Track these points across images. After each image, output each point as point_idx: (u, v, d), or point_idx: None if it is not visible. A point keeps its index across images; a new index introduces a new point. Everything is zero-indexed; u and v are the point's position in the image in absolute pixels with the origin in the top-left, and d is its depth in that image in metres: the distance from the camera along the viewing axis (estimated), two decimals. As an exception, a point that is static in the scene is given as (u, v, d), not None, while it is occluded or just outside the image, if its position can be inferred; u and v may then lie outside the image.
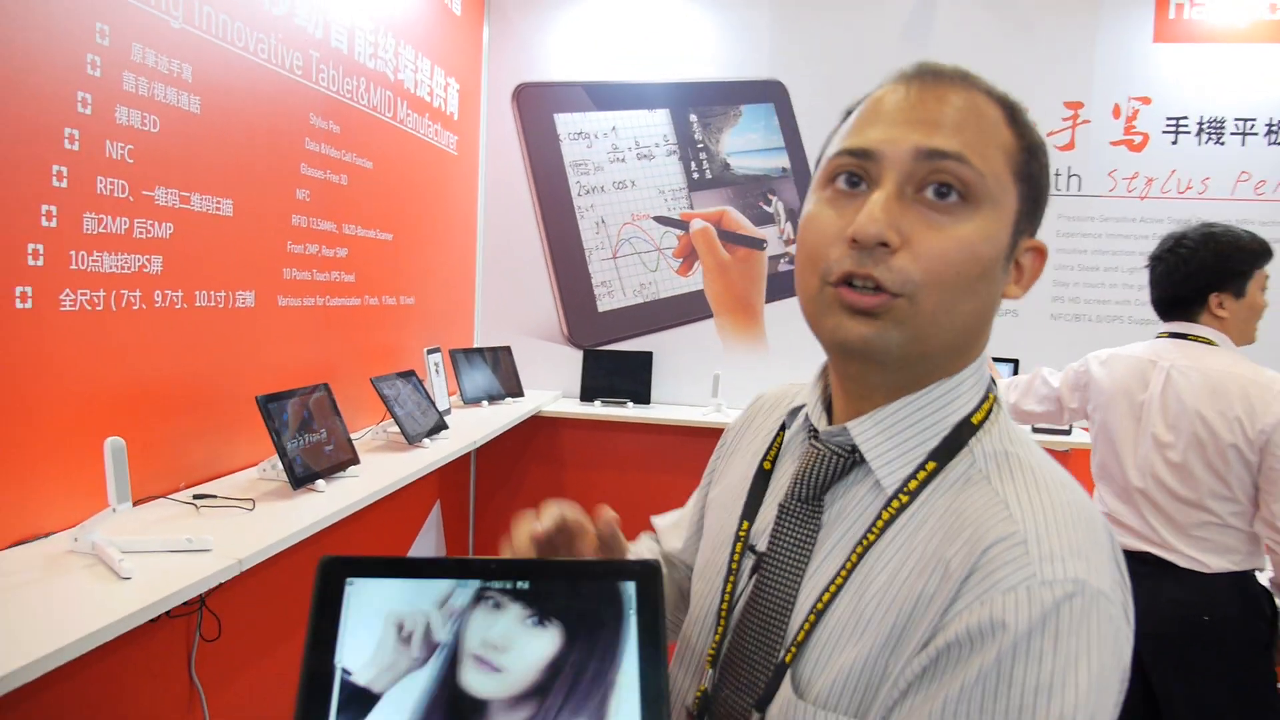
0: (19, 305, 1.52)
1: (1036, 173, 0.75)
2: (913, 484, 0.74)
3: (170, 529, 1.69)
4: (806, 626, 0.74)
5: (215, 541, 1.61)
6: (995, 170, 0.71)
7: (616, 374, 3.75)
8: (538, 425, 3.70)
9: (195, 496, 1.89)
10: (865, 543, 0.74)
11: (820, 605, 0.74)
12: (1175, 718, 2.01)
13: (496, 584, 0.71)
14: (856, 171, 0.73)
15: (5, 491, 1.53)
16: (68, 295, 1.62)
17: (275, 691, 2.31)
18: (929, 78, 0.75)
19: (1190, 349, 2.09)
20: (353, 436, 2.52)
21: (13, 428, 1.53)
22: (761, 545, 0.82)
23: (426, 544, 3.34)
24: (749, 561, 0.83)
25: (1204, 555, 2.01)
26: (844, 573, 0.74)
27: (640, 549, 1.07)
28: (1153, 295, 2.20)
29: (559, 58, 3.81)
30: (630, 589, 0.73)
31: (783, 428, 0.90)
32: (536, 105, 3.84)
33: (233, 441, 2.14)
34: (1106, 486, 2.17)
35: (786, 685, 0.74)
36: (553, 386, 3.86)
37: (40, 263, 1.56)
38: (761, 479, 0.88)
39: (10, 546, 1.54)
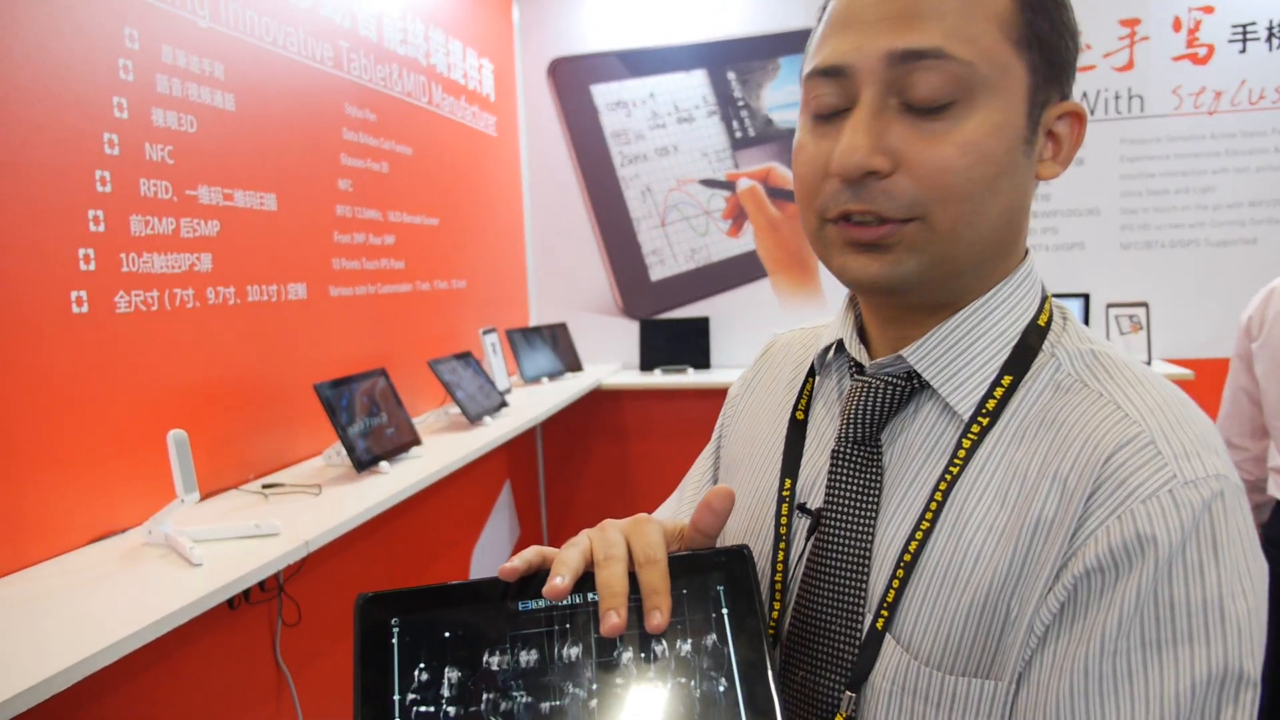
0: (75, 310, 1.56)
1: (1048, 30, 0.63)
2: (991, 403, 0.66)
3: (240, 517, 1.72)
4: (896, 583, 0.65)
5: (283, 526, 1.64)
6: (988, 49, 0.61)
7: (674, 341, 3.73)
8: (600, 399, 3.70)
9: (264, 486, 1.93)
10: (949, 476, 0.65)
11: (908, 556, 0.65)
12: None
13: (564, 601, 0.63)
14: (831, 94, 0.64)
15: (82, 491, 1.58)
16: (122, 297, 1.66)
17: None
18: None
19: None
20: (415, 420, 2.56)
21: (84, 429, 1.58)
22: (815, 501, 0.74)
23: (500, 523, 3.37)
24: (802, 522, 0.74)
25: None
26: (930, 513, 0.65)
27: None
28: None
29: (591, 28, 3.78)
30: (718, 581, 0.66)
31: (811, 373, 0.81)
32: (572, 78, 3.81)
33: (296, 431, 2.18)
34: None
35: (892, 650, 0.65)
36: (612, 360, 3.85)
37: (92, 267, 1.60)
38: (796, 431, 0.79)
39: (90, 543, 1.59)
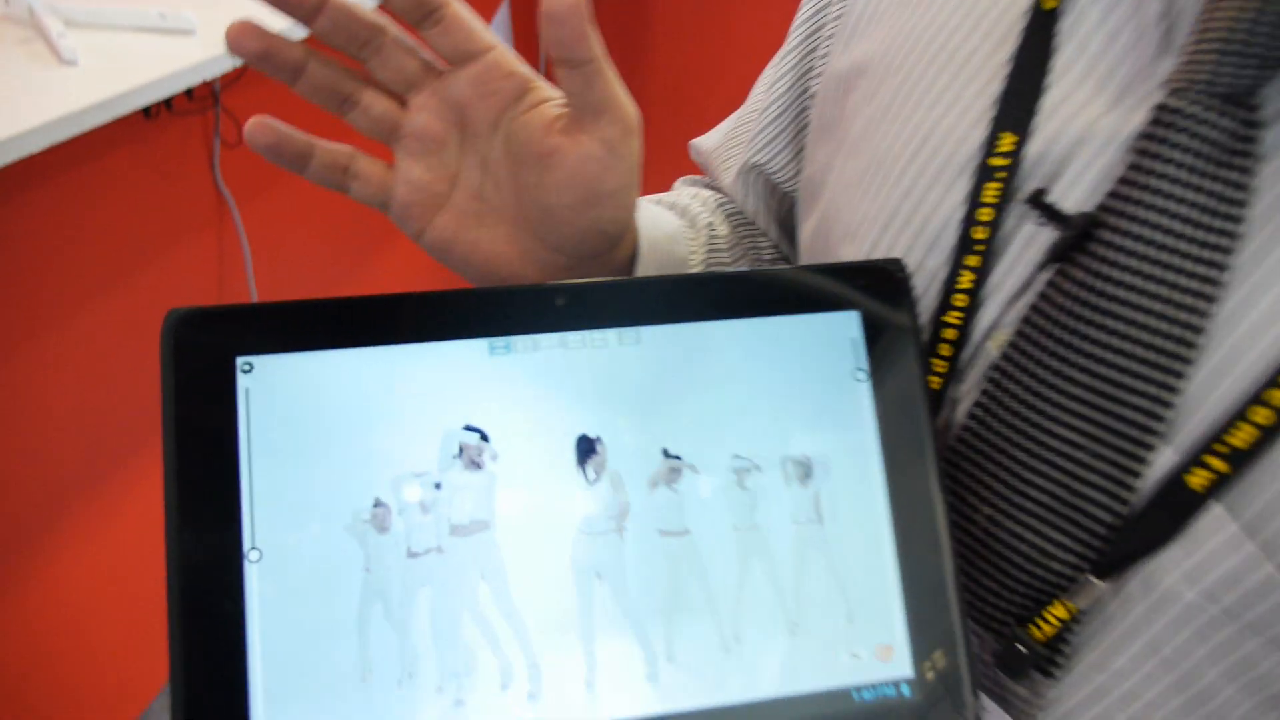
0: None
1: None
2: None
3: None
4: (1255, 423, 0.32)
5: (201, 21, 1.19)
6: None
7: None
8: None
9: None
10: None
11: None
12: None
13: (576, 335, 0.34)
14: None
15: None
16: None
17: (312, 210, 2.04)
18: None
19: None
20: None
21: None
22: (1074, 199, 0.37)
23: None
24: (1037, 232, 0.38)
25: None
26: None
27: (662, 221, 0.50)
28: None
29: None
30: (852, 324, 0.36)
31: None
32: None
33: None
34: None
35: (1226, 534, 0.33)
36: None
37: None
38: (1039, 31, 0.39)
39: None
